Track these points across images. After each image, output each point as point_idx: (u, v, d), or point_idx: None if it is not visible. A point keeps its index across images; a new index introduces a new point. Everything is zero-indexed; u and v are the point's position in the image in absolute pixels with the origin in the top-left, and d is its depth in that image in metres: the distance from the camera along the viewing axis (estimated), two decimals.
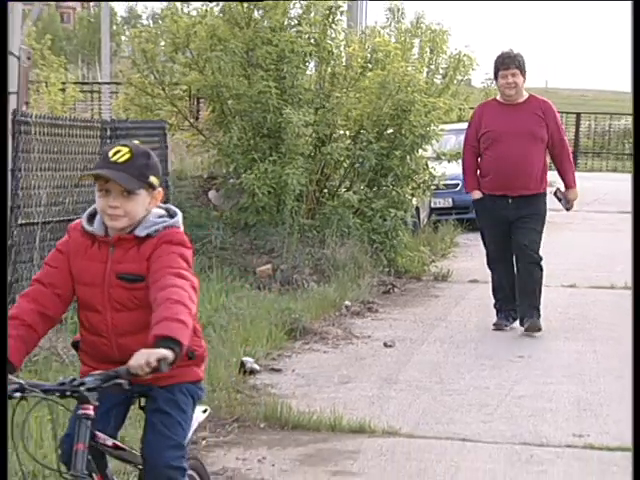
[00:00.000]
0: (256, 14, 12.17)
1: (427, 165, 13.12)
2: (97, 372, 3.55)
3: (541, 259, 9.23)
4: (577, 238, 15.97)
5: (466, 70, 14.38)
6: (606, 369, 8.24)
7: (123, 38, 52.96)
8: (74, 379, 3.52)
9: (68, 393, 3.49)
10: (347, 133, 12.61)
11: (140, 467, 3.88)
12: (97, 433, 3.68)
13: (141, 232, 3.77)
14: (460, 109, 14.57)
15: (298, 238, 11.45)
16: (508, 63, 9.06)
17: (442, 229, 15.59)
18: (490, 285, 9.60)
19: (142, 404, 3.94)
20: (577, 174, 9.83)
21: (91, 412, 3.52)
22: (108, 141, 9.47)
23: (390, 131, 12.48)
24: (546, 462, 6.04)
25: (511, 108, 9.13)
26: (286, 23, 12.20)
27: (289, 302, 9.71)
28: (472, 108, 14.97)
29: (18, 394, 3.43)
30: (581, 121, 34.58)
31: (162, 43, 12.74)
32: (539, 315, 9.17)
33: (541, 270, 9.23)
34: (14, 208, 7.76)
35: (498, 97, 9.41)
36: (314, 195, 12.32)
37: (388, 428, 6.57)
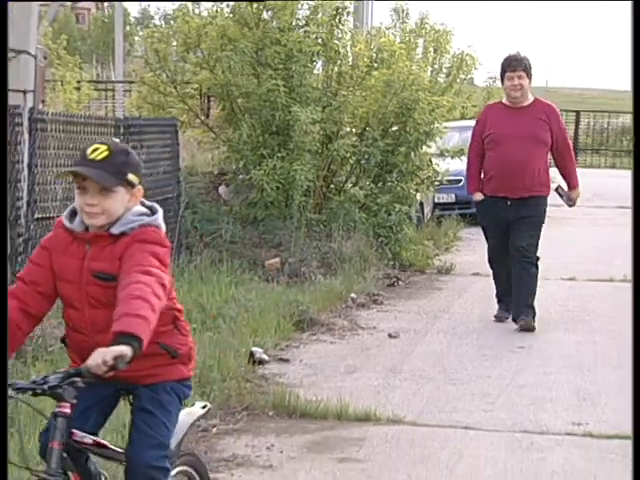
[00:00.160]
0: (265, 15, 12.15)
1: (431, 161, 13.11)
2: (60, 370, 3.48)
3: (537, 259, 9.18)
4: (576, 232, 15.95)
5: (469, 69, 14.34)
6: (605, 360, 8.23)
7: (136, 38, 52.96)
8: (45, 376, 3.44)
9: (39, 391, 3.40)
10: (353, 130, 12.61)
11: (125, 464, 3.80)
12: (74, 431, 3.59)
13: (116, 230, 3.67)
14: (463, 107, 14.54)
15: (305, 232, 11.45)
16: (515, 65, 8.99)
17: (445, 224, 15.58)
18: (492, 278, 9.58)
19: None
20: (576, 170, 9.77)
21: (67, 410, 3.44)
22: (121, 138, 9.47)
23: (395, 128, 12.47)
24: (546, 449, 6.04)
25: (516, 111, 9.05)
26: (294, 24, 12.18)
27: (297, 294, 9.71)
28: (474, 106, 15.03)
29: None
30: (580, 119, 34.53)
31: (174, 43, 12.73)
32: (534, 314, 9.11)
33: (537, 270, 9.18)
34: (31, 202, 7.77)
35: (504, 100, 9.31)
36: (321, 190, 12.32)
37: (393, 416, 6.57)
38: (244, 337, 8.07)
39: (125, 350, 3.31)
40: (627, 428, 6.31)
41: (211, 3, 12.45)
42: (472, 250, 13.81)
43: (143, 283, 3.48)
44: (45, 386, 3.39)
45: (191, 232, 11.26)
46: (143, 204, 3.79)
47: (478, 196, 9.23)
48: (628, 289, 11.13)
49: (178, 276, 9.78)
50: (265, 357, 7.85)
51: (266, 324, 8.58)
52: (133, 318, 3.38)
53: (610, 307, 10.31)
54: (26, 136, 7.71)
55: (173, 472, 3.93)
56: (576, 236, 15.45)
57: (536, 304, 9.15)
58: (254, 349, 7.83)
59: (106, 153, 3.65)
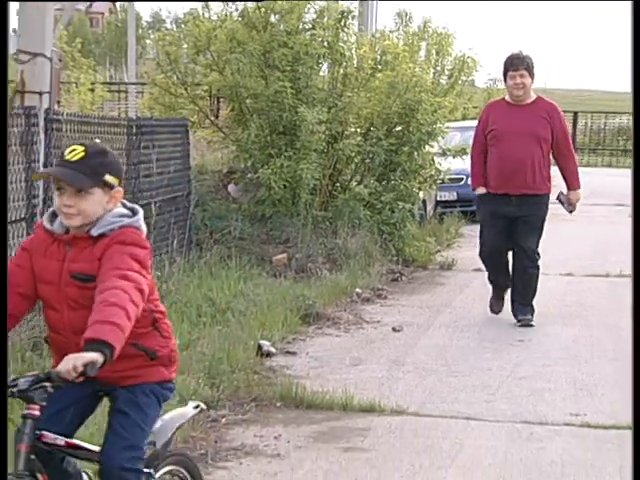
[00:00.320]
0: (273, 18, 12.14)
1: (433, 160, 13.08)
2: (30, 373, 3.39)
3: (539, 258, 9.14)
4: (574, 229, 15.91)
5: (470, 71, 14.31)
6: (601, 352, 8.22)
7: (148, 41, 52.92)
8: (15, 379, 3.35)
9: (8, 394, 3.32)
10: (358, 130, 12.60)
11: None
12: (44, 433, 3.48)
13: (95, 231, 3.55)
14: (464, 108, 14.52)
15: (312, 229, 11.44)
16: (517, 64, 8.86)
17: (447, 221, 15.57)
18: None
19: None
20: None
21: (36, 412, 3.35)
22: (134, 138, 9.48)
23: (399, 128, 12.45)
24: (545, 439, 6.04)
25: (518, 108, 8.93)
26: (301, 27, 12.17)
27: (303, 289, 9.70)
28: (475, 107, 15.01)
29: None
30: (578, 119, 34.46)
31: (185, 46, 12.73)
32: (533, 311, 9.07)
33: (538, 269, 9.14)
34: (46, 200, 7.77)
35: (507, 97, 9.16)
36: (327, 189, 12.31)
37: (396, 407, 6.56)
38: (252, 330, 8.06)
39: (96, 357, 3.22)
40: (623, 418, 6.32)
41: (221, 7, 12.45)
42: (473, 246, 13.69)
43: (120, 289, 3.38)
44: (14, 389, 3.31)
45: (201, 229, 11.26)
46: (124, 205, 3.67)
47: (481, 190, 9.09)
48: (624, 284, 11.12)
49: (188, 272, 9.79)
50: (273, 350, 7.85)
51: (274, 318, 8.57)
52: (106, 325, 3.28)
53: (606, 302, 10.30)
54: (42, 136, 7.71)
55: (160, 472, 3.85)
56: (574, 233, 15.42)
57: (535, 300, 9.14)
58: (262, 342, 7.83)
59: (82, 154, 3.54)
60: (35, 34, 8.10)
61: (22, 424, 3.38)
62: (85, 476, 3.76)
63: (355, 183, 12.50)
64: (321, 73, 12.55)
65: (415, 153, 12.53)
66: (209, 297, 8.92)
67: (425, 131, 12.28)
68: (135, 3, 26.33)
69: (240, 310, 8.63)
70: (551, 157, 9.13)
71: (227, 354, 7.25)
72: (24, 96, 8.04)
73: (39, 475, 3.51)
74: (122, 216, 3.61)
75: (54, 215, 3.64)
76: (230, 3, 12.28)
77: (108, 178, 3.56)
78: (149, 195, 9.79)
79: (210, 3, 12.60)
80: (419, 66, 13.07)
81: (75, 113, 9.45)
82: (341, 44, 12.33)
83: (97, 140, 3.85)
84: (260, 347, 7.74)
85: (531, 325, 9.00)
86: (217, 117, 13.21)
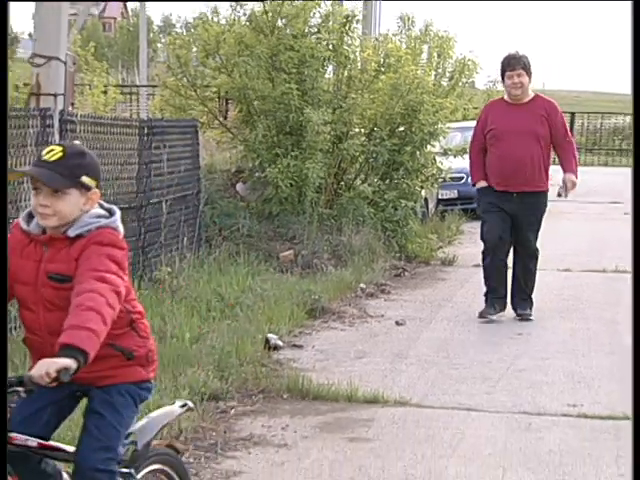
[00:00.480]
0: (279, 23, 12.13)
1: (435, 160, 13.07)
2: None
3: (539, 254, 9.11)
4: (572, 226, 15.91)
5: (470, 73, 14.28)
6: (598, 345, 8.21)
7: (159, 45, 53.01)
8: None
9: None
10: (362, 131, 12.59)
11: None
12: (14, 435, 3.35)
13: (72, 232, 3.43)
14: (465, 109, 14.48)
15: (317, 226, 11.44)
16: (514, 64, 8.77)
17: (448, 218, 15.55)
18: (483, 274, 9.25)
19: None
20: None
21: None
22: (145, 138, 9.48)
23: (401, 129, 12.44)
24: (543, 430, 6.03)
25: (516, 107, 8.84)
26: (307, 31, 12.16)
27: (309, 284, 9.70)
28: (476, 108, 14.96)
29: None
30: (575, 120, 34.38)
31: (194, 49, 12.73)
32: (532, 305, 9.06)
33: (537, 261, 9.11)
34: None
35: (505, 97, 9.07)
36: (332, 187, 12.31)
37: (399, 399, 6.56)
38: (260, 324, 8.06)
39: (69, 363, 3.12)
40: (619, 409, 6.32)
41: (229, 12, 12.44)
42: (474, 243, 13.74)
43: (97, 292, 3.27)
44: None
45: (210, 226, 11.26)
46: (102, 206, 3.55)
47: (482, 183, 8.93)
48: (619, 279, 11.12)
49: (198, 267, 9.79)
50: (280, 343, 7.85)
51: (281, 312, 8.57)
52: (82, 331, 3.18)
53: (603, 296, 10.28)
54: (57, 137, 7.71)
55: (143, 472, 3.74)
56: (571, 230, 15.41)
57: (534, 295, 9.13)
58: (269, 336, 7.83)
59: (60, 154, 3.42)
60: (50, 38, 8.11)
61: None
62: (66, 475, 3.64)
63: (359, 182, 12.50)
64: (326, 75, 12.54)
65: (417, 153, 12.52)
66: (218, 292, 8.92)
67: (427, 131, 12.27)
68: (146, 8, 26.29)
69: (248, 305, 8.63)
70: (552, 153, 9.06)
71: (236, 347, 7.25)
72: (39, 98, 8.05)
73: (9, 477, 3.42)
74: (99, 217, 3.50)
75: (31, 216, 3.52)
76: (238, 8, 12.28)
77: (85, 179, 3.46)
78: (160, 193, 9.79)
79: (219, 8, 12.62)
80: (421, 68, 13.05)
81: (89, 114, 9.46)
82: (345, 47, 12.33)
83: (76, 141, 3.74)
84: (267, 340, 7.74)
85: (530, 319, 8.99)
86: (226, 118, 13.21)
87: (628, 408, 6.23)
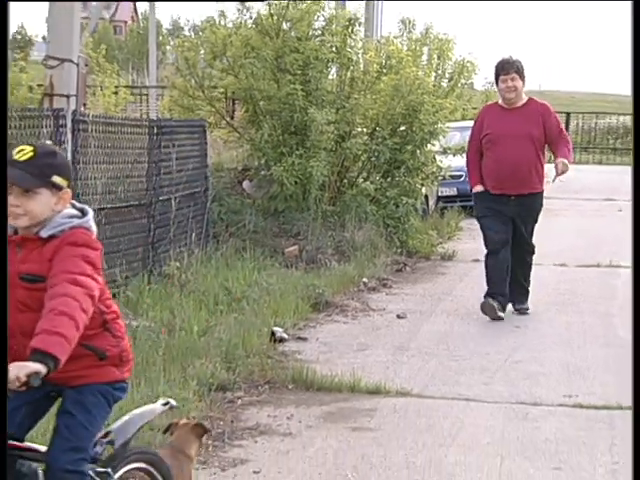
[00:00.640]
0: (285, 26, 12.13)
1: (435, 158, 13.07)
2: None
3: (534, 246, 9.09)
4: (567, 222, 15.89)
5: (469, 75, 14.27)
6: (593, 338, 8.19)
7: (168, 47, 52.90)
8: None
9: None
10: (364, 130, 12.58)
11: None
12: None
13: (45, 233, 3.32)
14: (464, 109, 14.47)
15: (321, 223, 11.44)
16: (508, 68, 8.70)
17: (448, 215, 15.53)
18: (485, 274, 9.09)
19: None
20: None
21: None
22: (155, 137, 9.47)
23: (402, 128, 12.44)
24: (540, 419, 6.02)
25: (511, 111, 8.75)
26: (311, 33, 12.16)
27: (313, 279, 9.70)
28: (475, 108, 14.94)
29: None
30: (570, 120, 34.34)
31: (202, 52, 12.72)
32: (528, 296, 9.05)
33: (533, 255, 9.09)
34: (73, 196, 7.77)
35: (500, 101, 8.96)
36: (335, 185, 12.31)
37: (401, 389, 6.56)
38: (266, 318, 8.06)
39: (39, 368, 3.04)
40: (614, 399, 6.31)
41: (236, 15, 12.43)
42: (472, 239, 13.76)
43: (71, 297, 3.16)
44: None
45: (218, 223, 11.26)
46: (74, 206, 3.44)
47: (479, 187, 8.87)
48: (613, 273, 11.12)
49: (206, 263, 9.79)
50: (285, 336, 7.84)
51: (286, 306, 8.57)
52: (53, 336, 3.08)
53: (597, 290, 10.27)
54: (69, 136, 7.72)
55: (122, 470, 3.63)
56: (567, 226, 15.39)
57: (531, 288, 9.12)
58: (275, 328, 7.83)
59: (30, 154, 3.30)
60: (63, 41, 8.11)
61: None
62: (42, 476, 3.49)
63: (362, 180, 12.50)
64: (330, 76, 12.54)
65: (418, 151, 12.52)
66: (225, 286, 8.92)
67: (427, 131, 12.26)
68: (156, 12, 26.25)
69: (254, 299, 8.63)
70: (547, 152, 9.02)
71: (242, 340, 7.25)
72: (53, 99, 8.05)
73: None
74: (72, 217, 3.39)
75: None
76: (245, 11, 12.27)
77: (56, 179, 3.34)
78: (169, 191, 9.79)
79: (226, 12, 12.61)
80: (421, 70, 13.06)
81: (100, 114, 9.47)
82: (348, 49, 12.33)
83: (48, 142, 3.63)
84: (273, 333, 7.74)
85: (527, 313, 8.98)
86: (232, 118, 13.21)
87: (622, 398, 6.24)
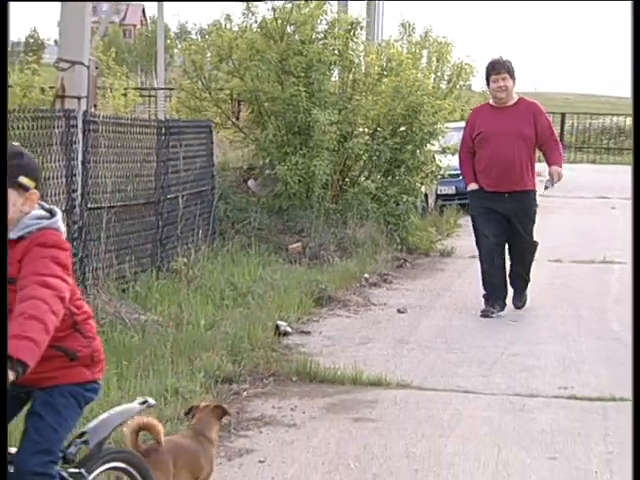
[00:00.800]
0: (289, 29, 12.11)
1: (434, 158, 13.04)
2: None
3: (537, 243, 8.99)
4: (562, 220, 15.87)
5: (467, 77, 14.26)
6: (587, 331, 8.18)
7: (175, 50, 52.89)
8: None
9: None
10: (366, 130, 12.57)
11: None
12: None
13: (14, 234, 3.19)
14: (462, 110, 14.45)
15: (324, 220, 11.43)
16: (498, 68, 8.60)
17: (447, 212, 15.53)
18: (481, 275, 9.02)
19: None
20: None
21: None
22: (163, 137, 9.47)
23: (403, 129, 12.42)
24: (536, 410, 6.02)
25: (502, 110, 8.66)
26: (314, 37, 12.14)
27: (316, 274, 9.69)
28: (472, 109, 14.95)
29: None
30: (565, 120, 34.31)
31: (209, 54, 12.71)
32: (526, 289, 9.02)
33: (534, 253, 8.99)
34: (84, 194, 7.77)
35: (491, 101, 8.88)
36: (338, 183, 12.30)
37: (401, 381, 6.55)
38: (270, 312, 8.05)
39: (7, 374, 2.95)
40: (607, 391, 6.31)
41: (241, 19, 12.42)
42: (470, 235, 13.59)
43: (39, 299, 3.05)
44: None
45: (224, 220, 11.25)
46: (42, 207, 3.31)
47: (473, 186, 8.76)
48: (607, 269, 11.11)
49: (212, 259, 9.79)
50: (289, 329, 7.84)
51: (290, 301, 8.57)
52: (23, 341, 2.97)
53: (592, 285, 10.26)
54: (80, 136, 7.71)
55: (97, 471, 3.50)
56: (562, 223, 15.37)
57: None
58: (279, 322, 7.82)
59: None
60: (74, 44, 8.10)
61: None
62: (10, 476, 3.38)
63: (363, 178, 12.48)
64: (332, 78, 12.52)
65: (418, 151, 12.51)
66: (231, 282, 8.91)
67: (427, 131, 12.25)
68: (164, 16, 26.25)
69: (259, 293, 8.62)
70: (537, 153, 8.95)
71: (248, 333, 7.25)
72: (64, 100, 8.04)
73: None
74: (40, 218, 3.26)
75: None
76: (250, 15, 12.25)
77: (23, 180, 3.21)
78: (177, 189, 9.78)
79: (232, 16, 12.60)
80: (421, 72, 13.05)
81: (110, 115, 9.46)
82: (350, 52, 12.31)
83: (16, 143, 3.50)
84: (277, 327, 7.73)
85: (522, 308, 8.95)
86: (238, 119, 13.20)
87: (615, 390, 6.24)
